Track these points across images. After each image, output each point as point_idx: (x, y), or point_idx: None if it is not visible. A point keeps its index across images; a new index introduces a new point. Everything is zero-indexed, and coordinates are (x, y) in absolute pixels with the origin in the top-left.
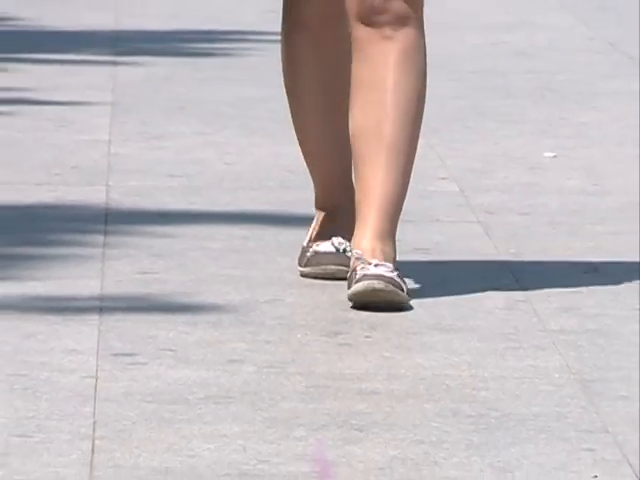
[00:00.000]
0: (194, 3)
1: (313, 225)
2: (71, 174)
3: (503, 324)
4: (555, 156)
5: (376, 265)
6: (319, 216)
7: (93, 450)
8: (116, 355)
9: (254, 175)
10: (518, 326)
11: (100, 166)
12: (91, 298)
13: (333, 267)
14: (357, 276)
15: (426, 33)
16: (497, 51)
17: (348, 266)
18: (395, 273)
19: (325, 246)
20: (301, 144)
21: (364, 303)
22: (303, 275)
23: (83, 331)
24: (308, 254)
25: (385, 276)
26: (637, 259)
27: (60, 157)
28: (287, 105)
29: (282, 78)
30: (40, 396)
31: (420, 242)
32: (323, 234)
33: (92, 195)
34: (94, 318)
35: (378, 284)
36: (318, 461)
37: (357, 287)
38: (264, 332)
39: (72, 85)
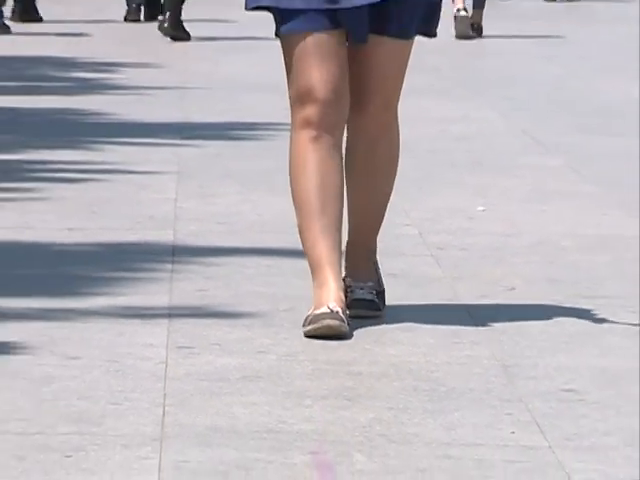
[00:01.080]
0: (239, 102)
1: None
2: (148, 222)
3: (448, 326)
4: (484, 210)
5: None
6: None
7: (164, 414)
8: (180, 348)
9: (276, 223)
10: (459, 327)
11: (169, 216)
12: (162, 308)
13: (329, 321)
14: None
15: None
16: (444, 136)
17: (342, 321)
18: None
19: (322, 309)
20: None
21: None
22: (307, 335)
23: (156, 331)
24: (309, 317)
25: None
26: (543, 281)
27: (140, 210)
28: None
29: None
30: (126, 376)
31: (391, 269)
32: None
33: (163, 237)
34: (165, 322)
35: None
36: (318, 466)
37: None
38: (283, 332)
39: (149, 160)
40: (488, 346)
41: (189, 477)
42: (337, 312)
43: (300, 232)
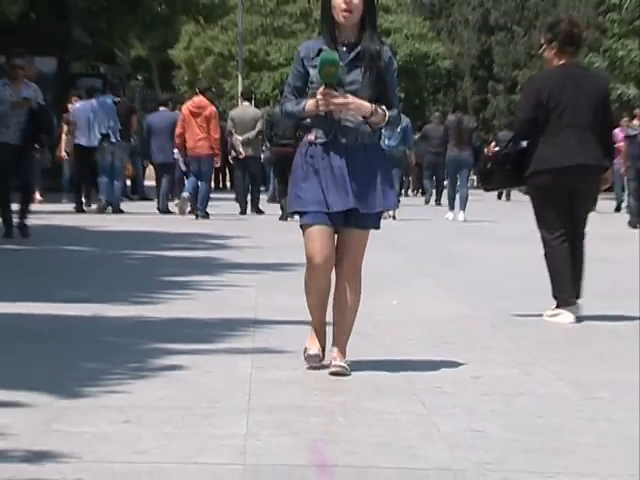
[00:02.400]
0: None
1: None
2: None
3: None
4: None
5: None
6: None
7: (248, 411)
8: (263, 363)
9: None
10: (393, 345)
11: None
12: (246, 327)
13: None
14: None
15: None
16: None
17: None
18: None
19: (313, 350)
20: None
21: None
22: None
23: (239, 349)
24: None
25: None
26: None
27: (229, 301)
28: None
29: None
30: (211, 375)
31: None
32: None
33: (241, 318)
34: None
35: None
36: (317, 460)
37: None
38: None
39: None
40: (405, 361)
41: None
42: (321, 356)
43: (310, 313)
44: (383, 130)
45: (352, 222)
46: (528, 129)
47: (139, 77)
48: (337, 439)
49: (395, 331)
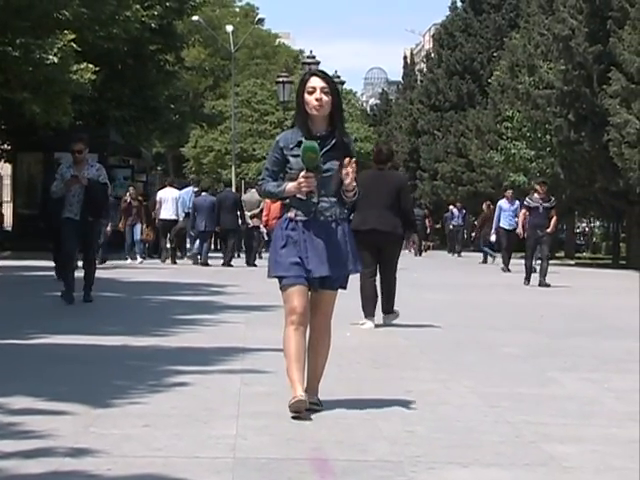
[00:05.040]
0: None
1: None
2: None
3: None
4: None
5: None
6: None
7: (238, 416)
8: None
9: None
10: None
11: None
12: (237, 353)
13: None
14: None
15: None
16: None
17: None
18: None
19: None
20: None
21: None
22: (290, 410)
23: (232, 369)
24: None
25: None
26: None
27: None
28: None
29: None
30: (210, 390)
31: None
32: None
33: (234, 346)
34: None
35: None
36: (318, 467)
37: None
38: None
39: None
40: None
41: None
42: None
43: (286, 367)
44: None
45: (327, 284)
46: (353, 205)
47: (158, 168)
48: (306, 438)
49: (348, 355)
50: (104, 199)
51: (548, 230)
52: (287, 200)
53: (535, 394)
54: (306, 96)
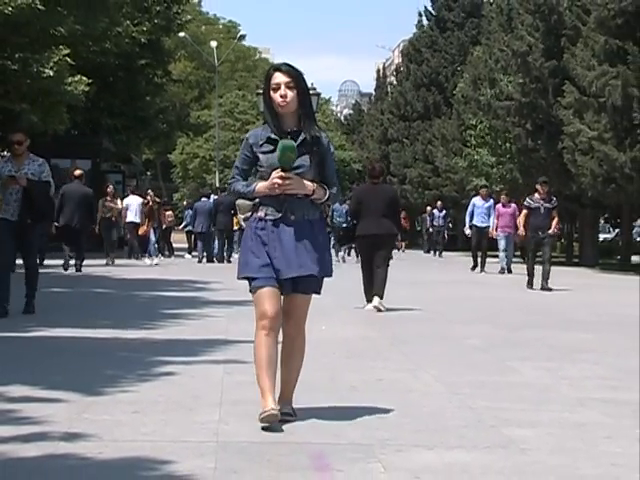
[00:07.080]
0: None
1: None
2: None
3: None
4: (325, 328)
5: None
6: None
7: (221, 404)
8: (228, 366)
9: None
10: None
11: (221, 339)
12: (220, 345)
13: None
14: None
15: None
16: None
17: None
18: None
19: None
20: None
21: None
22: (261, 421)
23: (215, 360)
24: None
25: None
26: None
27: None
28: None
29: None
30: (195, 379)
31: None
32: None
33: (217, 338)
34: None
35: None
36: (318, 467)
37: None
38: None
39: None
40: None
41: None
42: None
43: (257, 375)
44: (334, 208)
45: (299, 288)
46: (355, 215)
47: (148, 173)
48: (283, 424)
49: (323, 347)
50: (46, 200)
51: (550, 231)
52: (256, 199)
53: (495, 382)
54: (272, 94)
